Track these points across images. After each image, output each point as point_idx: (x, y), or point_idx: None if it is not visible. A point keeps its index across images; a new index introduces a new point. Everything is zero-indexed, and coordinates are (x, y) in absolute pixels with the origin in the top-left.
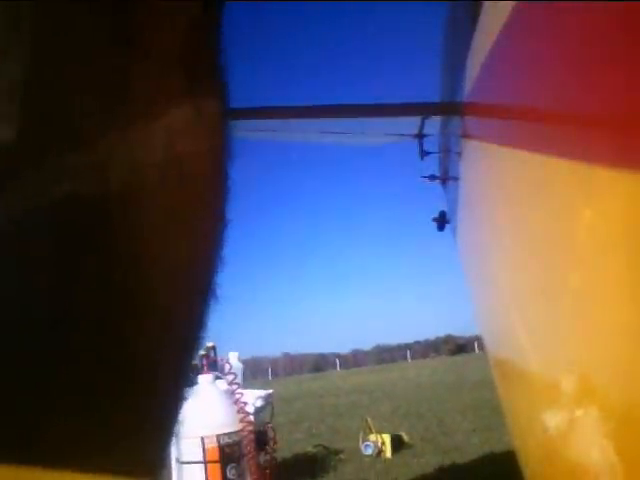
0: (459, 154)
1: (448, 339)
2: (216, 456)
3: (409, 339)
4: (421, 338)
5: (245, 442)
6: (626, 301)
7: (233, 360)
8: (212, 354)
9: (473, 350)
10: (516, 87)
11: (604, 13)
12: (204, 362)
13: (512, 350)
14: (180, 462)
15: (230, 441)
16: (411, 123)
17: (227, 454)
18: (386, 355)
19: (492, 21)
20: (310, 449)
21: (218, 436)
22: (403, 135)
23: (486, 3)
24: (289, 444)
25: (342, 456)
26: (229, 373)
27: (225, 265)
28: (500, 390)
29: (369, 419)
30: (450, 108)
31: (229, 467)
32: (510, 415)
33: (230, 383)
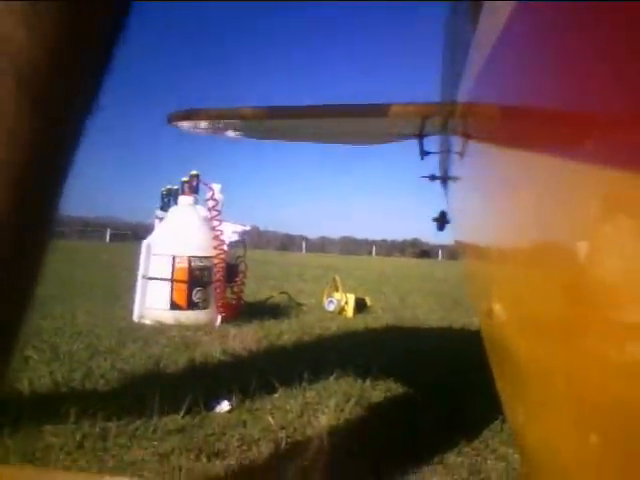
0: (459, 154)
1: (415, 242)
2: (184, 276)
3: (376, 236)
4: (388, 237)
5: (215, 269)
6: None
7: (216, 192)
8: (194, 182)
9: (437, 257)
10: (517, 87)
11: (608, 11)
12: (185, 187)
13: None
14: (146, 278)
15: (201, 265)
16: (411, 123)
17: (196, 277)
18: (351, 247)
19: (492, 21)
20: (274, 294)
21: (189, 257)
22: (404, 135)
23: (486, 3)
24: (254, 294)
25: (305, 308)
26: (211, 199)
27: None
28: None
29: (337, 277)
30: (450, 108)
31: (195, 290)
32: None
33: (210, 209)
